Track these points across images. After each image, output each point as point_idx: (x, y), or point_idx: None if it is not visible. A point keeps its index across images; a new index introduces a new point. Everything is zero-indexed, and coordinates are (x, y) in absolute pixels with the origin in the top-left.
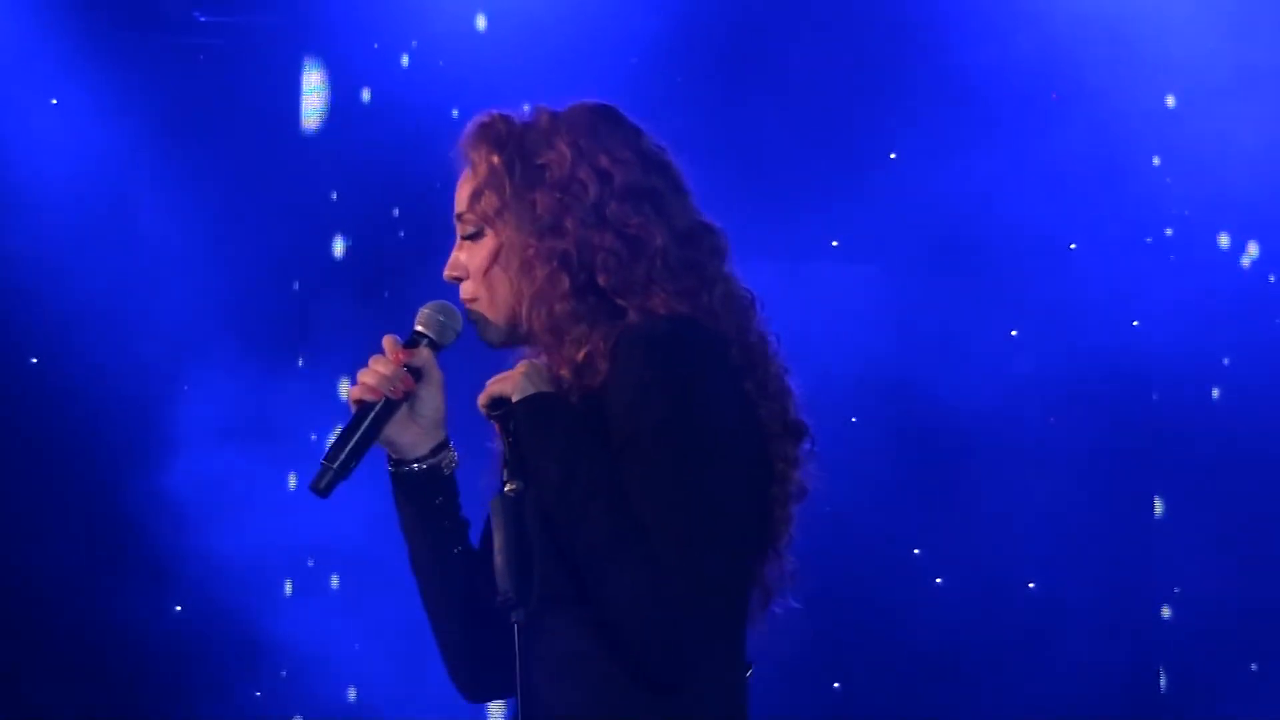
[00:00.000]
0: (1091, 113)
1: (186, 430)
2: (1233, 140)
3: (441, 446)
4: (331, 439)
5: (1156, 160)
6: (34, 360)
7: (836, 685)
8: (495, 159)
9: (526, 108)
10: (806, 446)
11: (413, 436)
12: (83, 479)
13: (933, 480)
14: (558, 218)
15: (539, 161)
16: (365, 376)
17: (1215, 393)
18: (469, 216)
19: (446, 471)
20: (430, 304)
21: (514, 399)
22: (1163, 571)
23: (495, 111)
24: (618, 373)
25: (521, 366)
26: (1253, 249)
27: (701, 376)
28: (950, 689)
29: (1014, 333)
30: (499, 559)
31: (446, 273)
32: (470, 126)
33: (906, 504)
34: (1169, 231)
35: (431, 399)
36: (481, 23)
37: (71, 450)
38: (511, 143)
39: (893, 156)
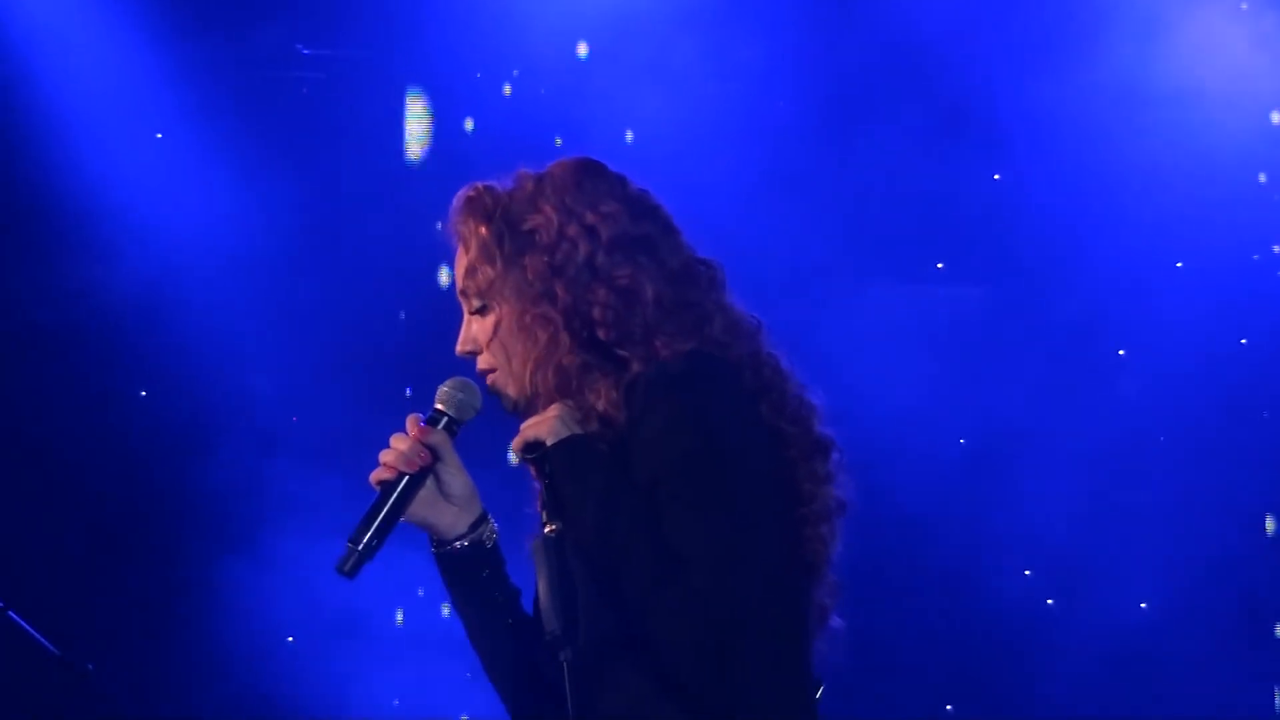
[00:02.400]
0: (1197, 131)
1: (295, 460)
2: None
3: (480, 521)
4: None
5: (1263, 177)
6: (143, 394)
7: (949, 708)
8: (484, 231)
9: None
10: (836, 459)
11: (450, 517)
12: (189, 508)
13: (1043, 500)
14: (549, 281)
15: (526, 227)
16: (384, 455)
17: None
18: (468, 291)
19: (488, 545)
20: (449, 381)
21: (548, 442)
22: (1276, 589)
23: (480, 184)
24: (637, 417)
25: (554, 410)
26: None
27: (718, 406)
28: (1063, 710)
29: (1121, 352)
30: (544, 599)
31: (458, 348)
32: (457, 202)
33: (1017, 525)
34: (1276, 248)
35: (455, 477)
36: (583, 50)
37: (179, 480)
38: (498, 212)
39: (996, 177)
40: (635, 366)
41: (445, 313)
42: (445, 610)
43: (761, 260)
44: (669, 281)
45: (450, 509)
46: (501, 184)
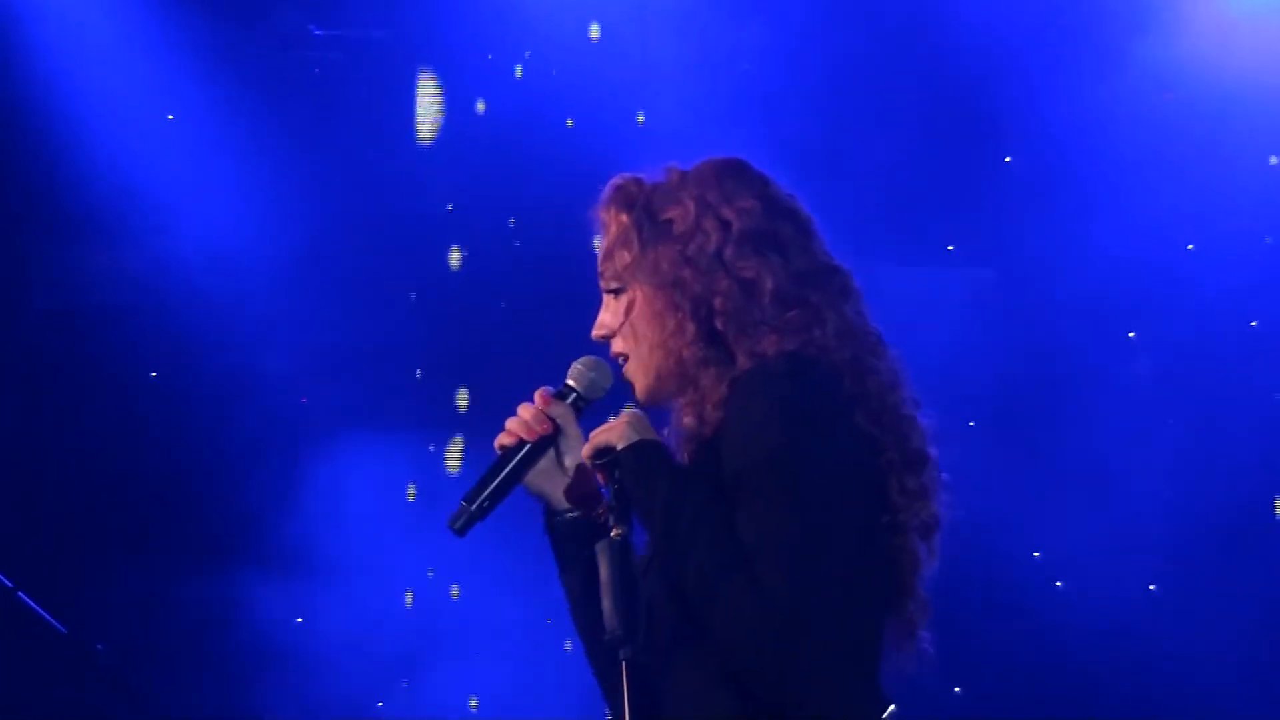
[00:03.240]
0: (1207, 112)
1: (305, 442)
2: None
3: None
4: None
5: (1274, 159)
6: (154, 374)
7: (958, 690)
8: (624, 218)
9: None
10: (932, 477)
11: (565, 489)
12: (201, 491)
13: (1051, 483)
14: (679, 269)
15: (664, 217)
16: (510, 422)
17: None
18: (605, 273)
19: (597, 521)
20: (583, 359)
21: (618, 447)
22: None
23: (629, 175)
24: (733, 414)
25: (625, 416)
26: None
27: (810, 407)
28: (1072, 692)
29: (1131, 334)
30: (606, 600)
31: (595, 333)
32: (606, 189)
33: (1026, 507)
34: None
35: (575, 450)
36: (595, 32)
37: (190, 463)
38: (640, 201)
39: (1008, 160)
40: (742, 362)
41: (456, 294)
42: (455, 592)
43: None
44: (792, 280)
45: (565, 481)
46: (650, 176)
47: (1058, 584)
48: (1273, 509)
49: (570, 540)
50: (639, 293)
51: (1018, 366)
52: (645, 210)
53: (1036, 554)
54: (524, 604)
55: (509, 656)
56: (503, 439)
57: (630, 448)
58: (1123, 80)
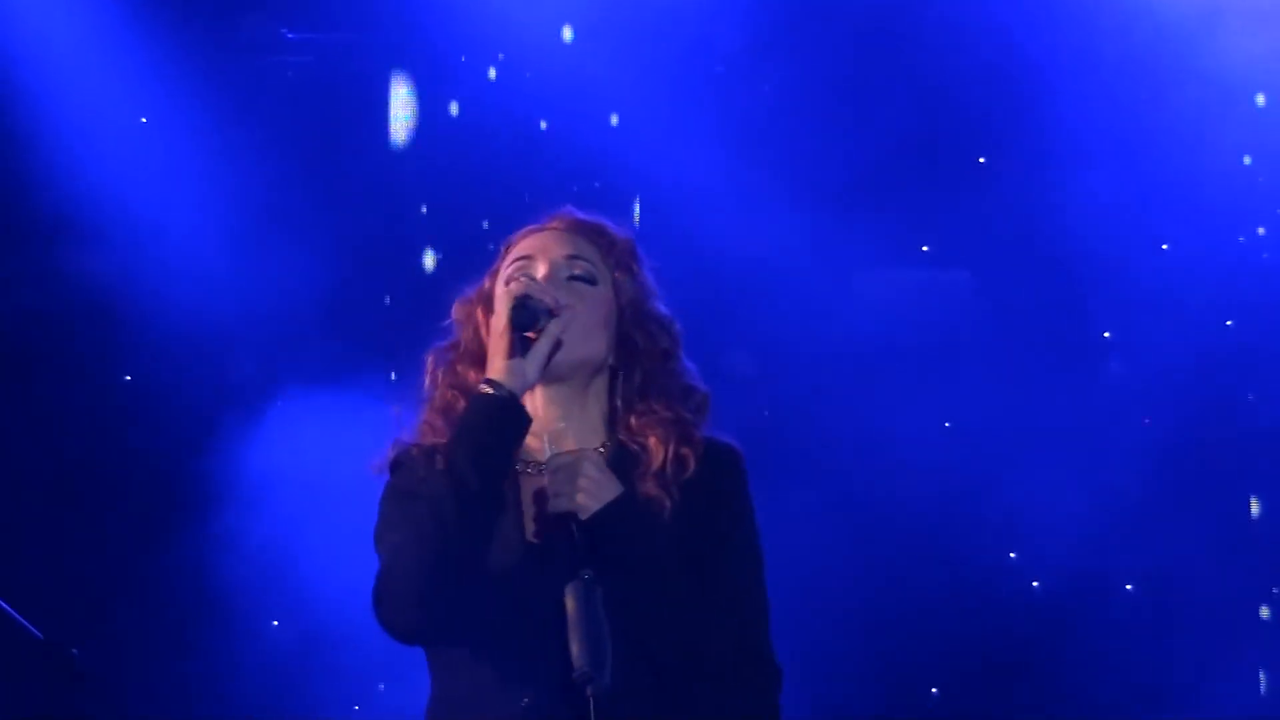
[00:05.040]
0: (1182, 112)
1: (279, 446)
2: None
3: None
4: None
5: (1248, 159)
6: (128, 378)
7: (934, 690)
8: (631, 246)
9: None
10: None
11: (519, 380)
12: (174, 496)
13: (1028, 483)
14: (648, 310)
15: (647, 282)
16: (531, 288)
17: None
18: (583, 264)
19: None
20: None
21: (593, 508)
22: (1261, 572)
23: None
24: (722, 481)
25: (586, 477)
26: None
27: None
28: (1048, 693)
29: (1107, 334)
30: (574, 638)
31: (543, 279)
32: (595, 216)
33: (1001, 508)
34: (1261, 230)
35: (540, 360)
36: (568, 34)
37: (166, 467)
38: (637, 251)
39: (982, 160)
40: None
41: (430, 297)
42: None
43: (747, 245)
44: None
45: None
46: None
47: (1034, 584)
48: (1249, 507)
49: (519, 421)
50: (626, 302)
51: (992, 366)
52: (638, 259)
53: (1013, 554)
54: None
55: None
56: (529, 290)
57: (603, 515)
58: (1096, 80)
